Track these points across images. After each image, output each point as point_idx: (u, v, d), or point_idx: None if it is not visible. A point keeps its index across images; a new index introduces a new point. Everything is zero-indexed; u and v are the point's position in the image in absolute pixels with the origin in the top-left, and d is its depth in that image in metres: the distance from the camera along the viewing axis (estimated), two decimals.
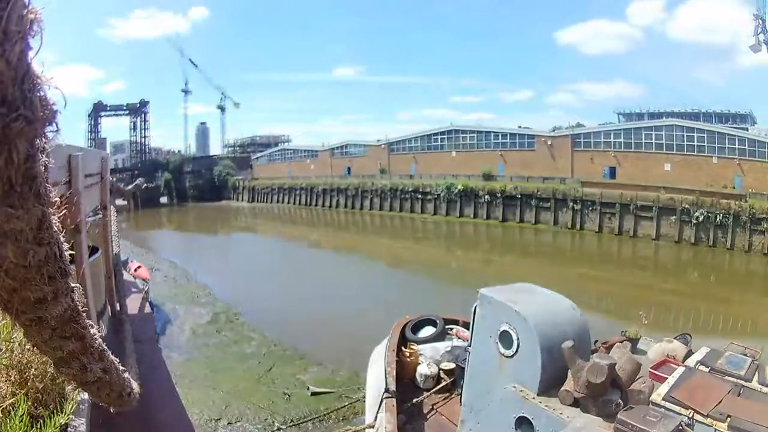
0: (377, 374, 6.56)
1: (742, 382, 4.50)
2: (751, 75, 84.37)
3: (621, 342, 5.48)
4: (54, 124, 0.78)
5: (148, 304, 10.11)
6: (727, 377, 4.65)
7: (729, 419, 3.81)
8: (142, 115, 68.99)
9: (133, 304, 8.32)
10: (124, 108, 68.93)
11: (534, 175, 40.90)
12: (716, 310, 17.08)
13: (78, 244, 3.74)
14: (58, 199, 0.97)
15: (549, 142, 42.70)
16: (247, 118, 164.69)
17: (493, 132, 47.57)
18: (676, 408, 4.00)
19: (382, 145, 56.16)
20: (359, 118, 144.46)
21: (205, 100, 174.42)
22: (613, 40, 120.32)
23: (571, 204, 35.06)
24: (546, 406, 3.69)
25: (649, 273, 24.57)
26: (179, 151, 78.54)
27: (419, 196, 45.17)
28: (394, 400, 5.64)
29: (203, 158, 76.47)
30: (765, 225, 26.21)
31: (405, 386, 6.31)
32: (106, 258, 6.56)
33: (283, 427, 8.52)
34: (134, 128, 69.09)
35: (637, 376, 3.98)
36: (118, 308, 6.91)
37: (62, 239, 1.00)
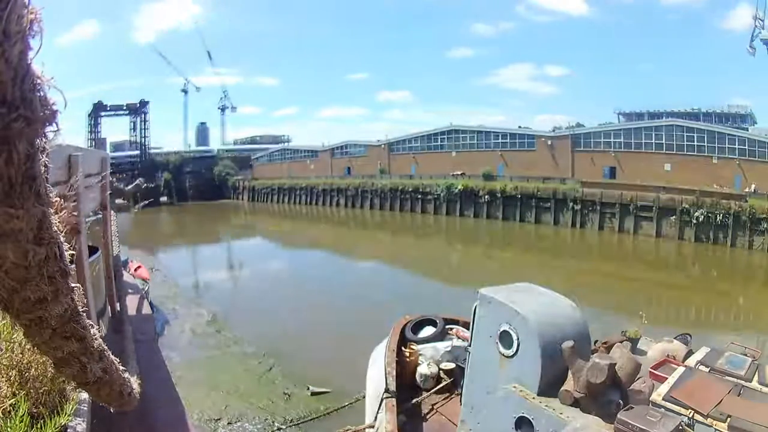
0: (377, 374, 6.55)
1: (742, 382, 4.49)
2: None
3: (621, 342, 5.47)
4: (54, 124, 0.78)
5: (147, 304, 10.13)
6: (727, 377, 4.65)
7: (729, 419, 3.81)
8: (142, 115, 69.02)
9: (132, 304, 8.34)
10: (124, 108, 68.93)
11: (534, 176, 40.87)
12: (717, 304, 17.15)
13: (78, 244, 3.75)
14: (58, 199, 0.97)
15: (549, 143, 42.71)
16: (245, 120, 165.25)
17: (494, 132, 47.58)
18: (676, 408, 3.99)
19: (383, 145, 56.16)
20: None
21: (205, 99, 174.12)
22: None
23: (571, 204, 35.02)
24: (546, 406, 3.69)
25: (649, 268, 24.53)
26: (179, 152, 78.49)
27: (419, 196, 45.15)
28: (394, 400, 5.64)
29: (203, 158, 76.41)
30: (765, 225, 26.20)
31: (405, 386, 6.30)
32: (106, 258, 6.57)
33: (283, 427, 8.52)
34: (134, 128, 69.14)
35: (637, 376, 3.98)
36: (118, 308, 6.92)
37: (62, 239, 1.00)
